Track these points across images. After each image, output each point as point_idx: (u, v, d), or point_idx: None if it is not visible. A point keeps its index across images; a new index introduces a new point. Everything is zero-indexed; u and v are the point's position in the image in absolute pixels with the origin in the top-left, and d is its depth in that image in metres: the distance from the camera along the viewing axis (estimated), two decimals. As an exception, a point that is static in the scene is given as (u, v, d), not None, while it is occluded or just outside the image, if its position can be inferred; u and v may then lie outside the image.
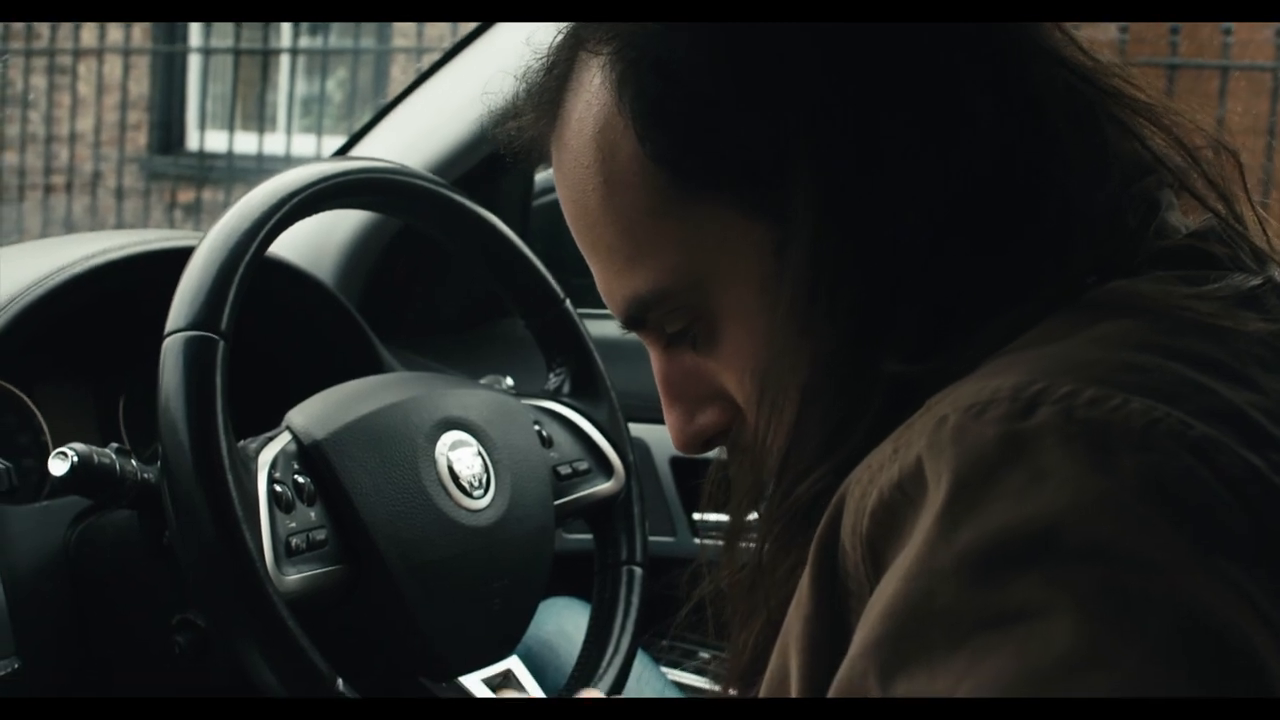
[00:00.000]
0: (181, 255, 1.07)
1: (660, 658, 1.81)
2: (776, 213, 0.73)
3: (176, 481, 0.99)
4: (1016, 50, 0.74)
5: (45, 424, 1.38)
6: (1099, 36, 0.78)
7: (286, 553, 1.03)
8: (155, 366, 1.02)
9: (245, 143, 7.61)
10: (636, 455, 1.40)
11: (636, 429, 1.43)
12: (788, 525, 0.73)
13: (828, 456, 0.71)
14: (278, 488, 1.05)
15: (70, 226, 7.91)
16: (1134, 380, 0.59)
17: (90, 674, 1.20)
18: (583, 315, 1.40)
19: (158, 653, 1.12)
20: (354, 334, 1.50)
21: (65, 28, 7.90)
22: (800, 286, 0.72)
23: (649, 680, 1.53)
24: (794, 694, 0.65)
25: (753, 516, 0.81)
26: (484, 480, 1.19)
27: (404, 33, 7.37)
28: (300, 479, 1.08)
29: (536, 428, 1.30)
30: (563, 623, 1.52)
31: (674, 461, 1.85)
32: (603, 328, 1.51)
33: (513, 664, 1.20)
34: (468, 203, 1.30)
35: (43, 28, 7.92)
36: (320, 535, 1.07)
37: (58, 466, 1.02)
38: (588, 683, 1.25)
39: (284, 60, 7.74)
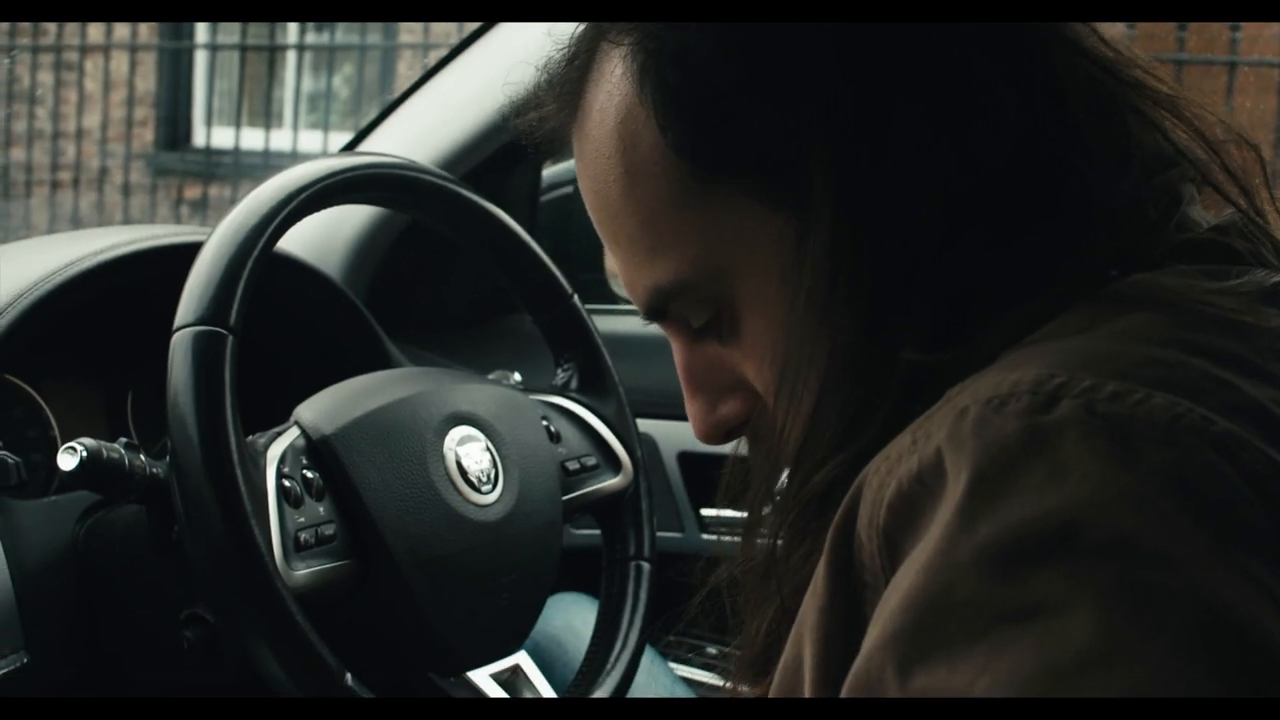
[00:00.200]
0: (189, 251, 1.08)
1: (668, 653, 1.81)
2: (794, 203, 0.73)
3: (185, 476, 0.99)
4: (1036, 41, 0.73)
5: (54, 419, 1.38)
6: (1106, 31, 0.78)
7: (295, 548, 1.03)
8: (163, 362, 1.02)
9: (252, 139, 7.62)
10: (644, 450, 1.40)
11: (644, 424, 1.43)
12: (802, 514, 0.73)
13: (845, 446, 0.71)
14: (286, 483, 1.06)
15: (77, 223, 7.92)
16: (1155, 375, 0.59)
17: (98, 669, 1.20)
18: (590, 311, 1.40)
19: (166, 648, 1.12)
20: (362, 329, 1.50)
21: (72, 24, 7.91)
22: (819, 277, 0.72)
23: (656, 676, 1.53)
24: (807, 684, 0.65)
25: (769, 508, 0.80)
26: (492, 475, 1.19)
27: (410, 28, 7.38)
28: (309, 474, 1.08)
29: (544, 423, 1.30)
30: (570, 618, 1.52)
31: (681, 457, 1.85)
32: (610, 323, 1.51)
33: (521, 659, 1.21)
34: (475, 198, 1.30)
35: (49, 24, 7.94)
36: (329, 530, 1.07)
37: (67, 461, 1.02)
38: (596, 678, 1.25)
39: (290, 56, 7.75)
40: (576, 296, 1.37)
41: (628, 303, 2.11)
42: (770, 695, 0.71)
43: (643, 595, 1.32)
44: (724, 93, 0.74)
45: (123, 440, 1.06)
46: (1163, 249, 0.71)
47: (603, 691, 1.23)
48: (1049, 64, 0.73)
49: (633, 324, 1.97)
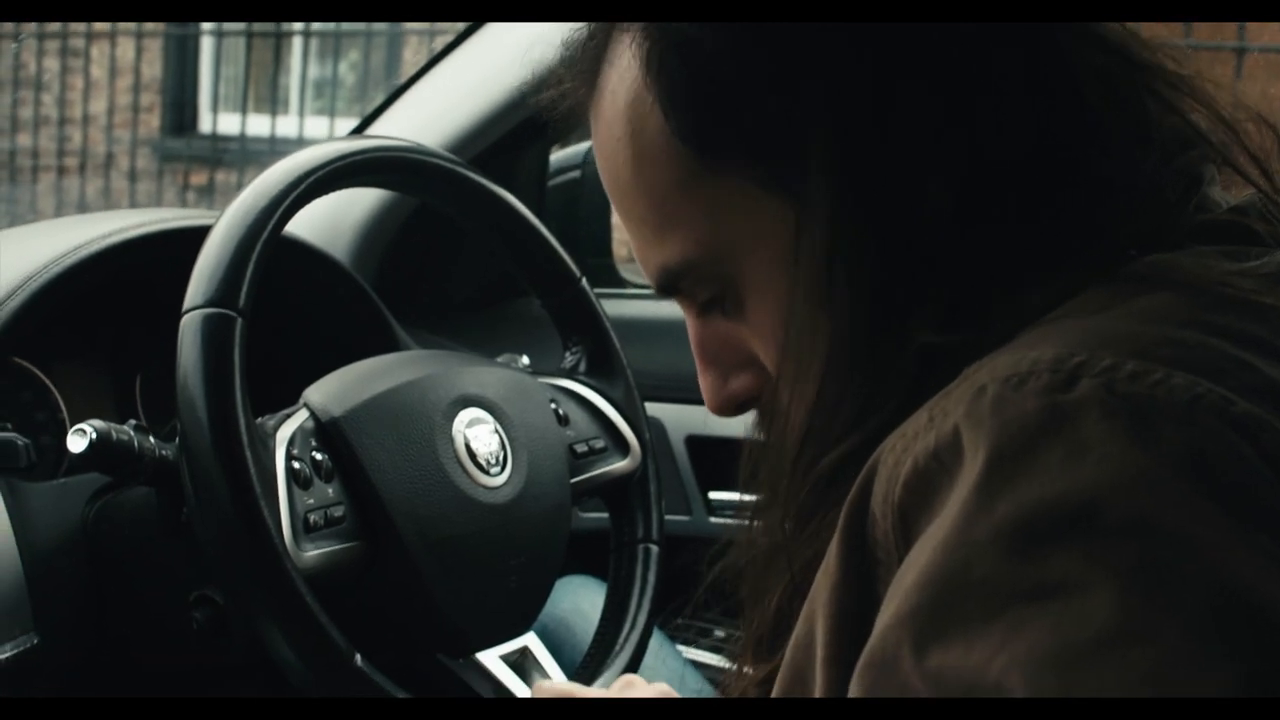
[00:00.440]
0: (198, 234, 1.08)
1: (676, 636, 1.81)
2: (796, 189, 0.73)
3: (195, 458, 0.99)
4: (1047, 27, 0.73)
5: (62, 402, 1.39)
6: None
7: (305, 529, 1.04)
8: (172, 345, 1.02)
9: (258, 125, 7.61)
10: (652, 434, 1.40)
11: (652, 408, 1.43)
12: (815, 492, 0.74)
13: (857, 428, 0.72)
14: (296, 464, 1.06)
15: (83, 209, 7.92)
16: (1175, 355, 0.59)
17: (107, 650, 1.21)
18: (598, 295, 1.40)
19: (175, 629, 1.13)
20: (370, 313, 1.50)
21: (78, 10, 7.90)
22: (818, 260, 0.72)
23: (665, 658, 1.53)
24: (818, 661, 0.65)
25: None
26: (501, 458, 1.19)
27: (416, 14, 7.36)
28: (318, 456, 1.08)
29: (553, 406, 1.30)
30: (579, 601, 1.52)
31: (689, 440, 1.85)
32: (618, 307, 1.51)
33: (530, 640, 1.21)
34: (484, 181, 1.30)
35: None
36: (338, 512, 1.07)
37: (76, 443, 1.02)
38: (604, 660, 1.26)
39: (296, 42, 7.74)
40: (584, 280, 1.37)
41: (636, 287, 2.12)
42: (781, 672, 0.71)
43: (651, 577, 1.32)
44: (728, 83, 0.74)
45: (132, 422, 1.06)
46: (1182, 230, 0.71)
47: (611, 673, 1.23)
48: (1061, 49, 0.73)
49: (641, 308, 1.97)
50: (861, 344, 0.72)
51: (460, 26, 1.89)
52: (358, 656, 1.02)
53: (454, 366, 1.23)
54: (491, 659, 1.16)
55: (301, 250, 1.43)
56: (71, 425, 1.04)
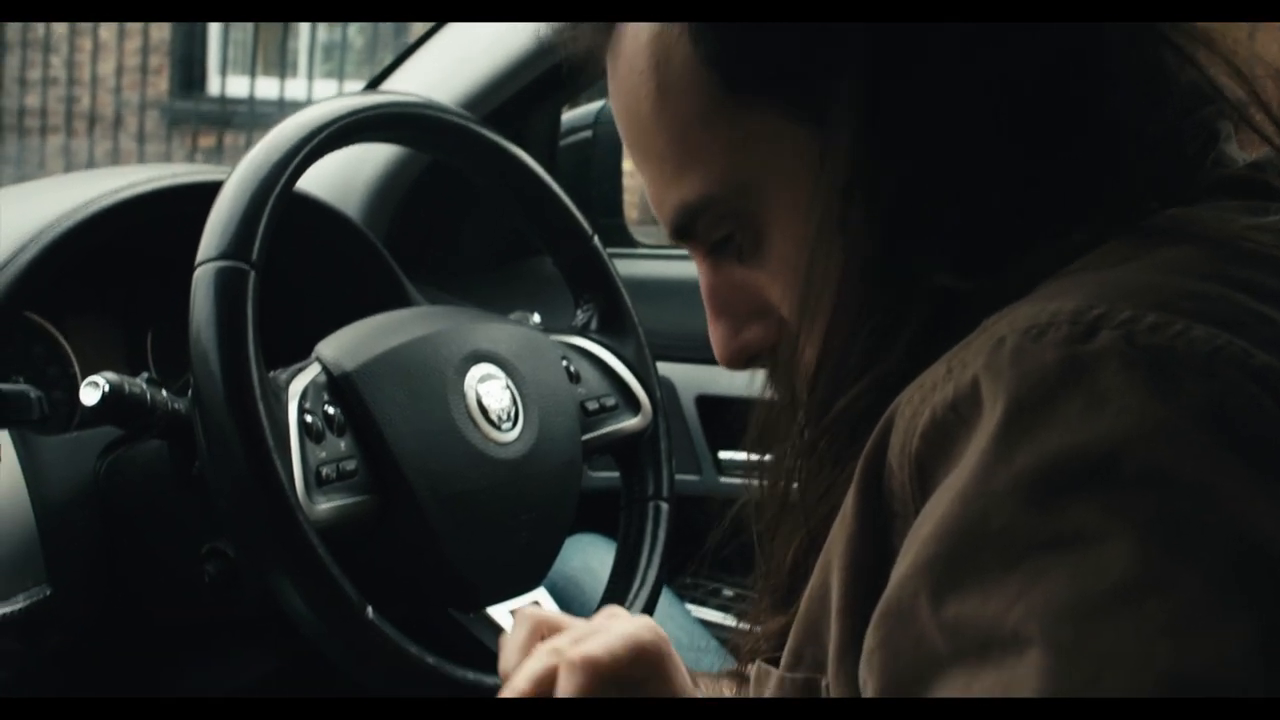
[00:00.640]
0: (210, 189, 1.07)
1: (685, 594, 1.81)
2: (821, 120, 0.72)
3: (208, 410, 1.00)
4: None
5: (74, 357, 1.39)
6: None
7: (317, 482, 1.04)
8: (184, 301, 1.02)
9: (266, 87, 7.61)
10: (662, 393, 1.40)
11: (662, 368, 1.43)
12: (831, 443, 0.73)
13: (867, 370, 0.71)
14: (308, 418, 1.06)
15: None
16: (1195, 307, 0.59)
17: (120, 602, 1.21)
18: (610, 255, 1.39)
19: (186, 582, 1.13)
20: (381, 270, 1.50)
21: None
22: (837, 190, 0.72)
23: (674, 616, 1.53)
24: (834, 612, 0.65)
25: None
26: (512, 414, 1.19)
27: (426, -23, 7.33)
28: (330, 410, 1.08)
29: (564, 363, 1.30)
30: (588, 559, 1.52)
31: (700, 400, 1.85)
32: (630, 267, 1.51)
33: (540, 595, 1.21)
34: (496, 137, 1.29)
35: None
36: (350, 465, 1.07)
37: (89, 395, 1.02)
38: (613, 618, 1.26)
39: (305, 5, 7.71)
40: (596, 237, 1.37)
41: (647, 247, 2.12)
42: (795, 625, 0.71)
43: (661, 534, 1.32)
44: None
45: (144, 375, 1.07)
46: (1201, 185, 0.71)
47: (620, 629, 1.24)
48: None
49: (651, 268, 1.97)
50: (875, 278, 0.71)
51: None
52: (370, 609, 1.03)
53: (466, 322, 1.23)
54: (502, 613, 1.17)
55: (313, 207, 1.42)
56: (83, 380, 1.04)
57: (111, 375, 1.03)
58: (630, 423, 1.35)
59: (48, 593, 1.14)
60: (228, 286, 1.01)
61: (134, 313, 1.47)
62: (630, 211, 2.19)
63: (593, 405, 1.32)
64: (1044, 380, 0.57)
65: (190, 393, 1.02)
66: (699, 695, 1.02)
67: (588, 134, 2.06)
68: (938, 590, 0.56)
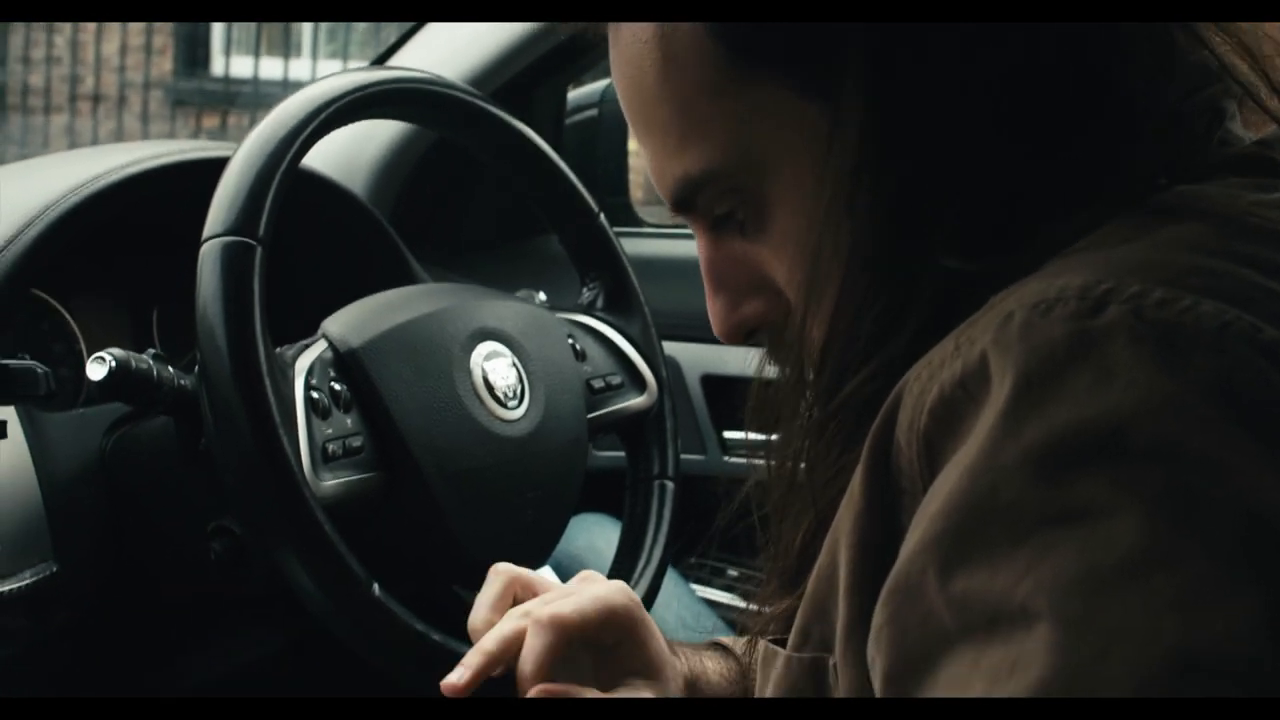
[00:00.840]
0: (216, 165, 1.07)
1: (690, 575, 1.82)
2: (830, 96, 0.72)
3: (214, 386, 0.99)
4: None
5: (80, 334, 1.39)
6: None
7: (323, 458, 1.04)
8: (190, 278, 1.02)
9: (271, 68, 7.60)
10: (668, 372, 1.40)
11: (668, 347, 1.43)
12: (839, 426, 0.73)
13: (875, 353, 0.71)
14: (314, 394, 1.06)
15: (96, 150, 7.90)
16: (1203, 283, 0.59)
17: (126, 579, 1.21)
18: (616, 234, 1.39)
19: (193, 560, 1.13)
20: (386, 247, 1.50)
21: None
22: (845, 170, 0.71)
23: (679, 596, 1.54)
24: (841, 590, 0.65)
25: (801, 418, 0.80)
26: (518, 391, 1.19)
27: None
28: (336, 386, 1.08)
29: (570, 341, 1.30)
30: (593, 538, 1.52)
31: (705, 379, 1.86)
32: (635, 246, 1.50)
33: (546, 573, 1.21)
34: (503, 114, 1.29)
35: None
36: (356, 442, 1.07)
37: (96, 371, 1.02)
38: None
39: (310, -15, 7.70)
40: (602, 215, 1.37)
41: (652, 226, 2.11)
42: (803, 604, 0.71)
43: (666, 513, 1.32)
44: None
45: (151, 351, 1.07)
46: (1208, 162, 0.71)
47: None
48: None
49: (657, 247, 1.97)
50: (883, 260, 0.71)
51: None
52: (376, 586, 1.03)
53: (472, 300, 1.22)
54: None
55: (318, 184, 1.42)
56: (89, 357, 1.04)
57: (118, 351, 1.03)
58: (636, 401, 1.35)
59: (54, 569, 1.14)
60: (234, 262, 1.01)
61: (139, 290, 1.47)
62: (635, 191, 2.19)
63: (598, 383, 1.31)
64: (1052, 355, 0.57)
65: (196, 369, 1.02)
66: (677, 664, 1.02)
67: (593, 113, 2.06)
68: (945, 566, 0.56)
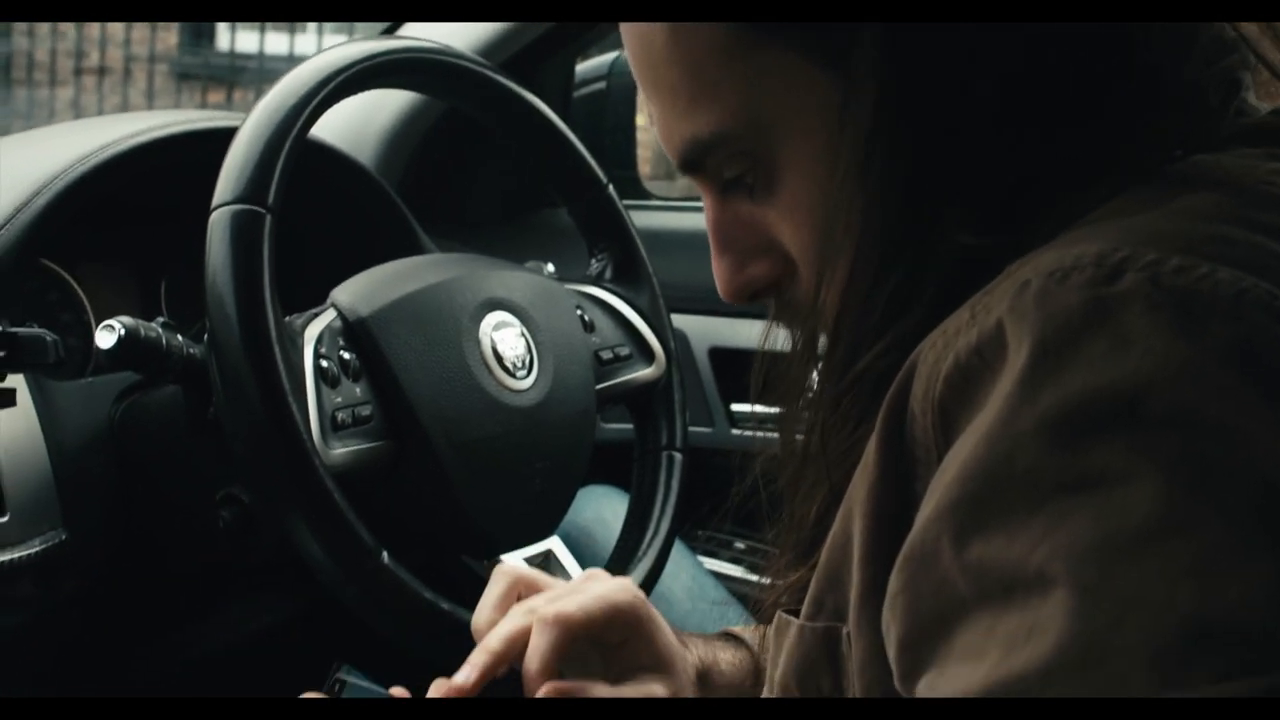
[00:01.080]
0: (225, 135, 1.07)
1: (697, 547, 1.82)
2: (843, 64, 0.71)
3: (224, 354, 0.99)
4: None
5: (88, 304, 1.39)
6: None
7: (332, 427, 1.04)
8: (198, 248, 1.02)
9: (276, 43, 7.58)
10: (675, 345, 1.40)
11: (676, 319, 1.43)
12: (854, 400, 0.73)
13: (890, 325, 0.71)
14: (323, 363, 1.06)
15: (101, 125, 7.90)
16: (1220, 251, 0.58)
17: (135, 548, 1.22)
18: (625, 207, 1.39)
19: (201, 528, 1.13)
20: (395, 218, 1.50)
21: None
22: (858, 143, 0.71)
23: (686, 567, 1.53)
24: (855, 560, 0.65)
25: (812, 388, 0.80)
26: (527, 361, 1.19)
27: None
28: (345, 355, 1.08)
29: (579, 312, 1.30)
30: (601, 510, 1.52)
31: (713, 352, 1.85)
32: (643, 219, 1.50)
33: (554, 544, 1.21)
34: (512, 84, 1.29)
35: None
36: (365, 411, 1.07)
37: (105, 339, 1.02)
38: (626, 566, 1.26)
39: (315, -41, 7.68)
40: (611, 186, 1.36)
41: (660, 199, 2.11)
42: (817, 573, 0.71)
43: (674, 484, 1.32)
44: None
45: (160, 320, 1.07)
46: (1223, 133, 0.71)
47: (634, 578, 1.24)
48: None
49: (665, 219, 1.97)
50: (896, 231, 0.71)
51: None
52: (385, 554, 1.03)
53: (481, 270, 1.22)
54: (516, 561, 1.16)
55: (327, 154, 1.42)
56: (98, 326, 1.04)
57: (127, 319, 1.03)
58: (644, 372, 1.35)
59: (63, 537, 1.15)
60: (244, 230, 1.01)
61: (147, 260, 1.47)
62: (643, 166, 2.18)
63: (607, 354, 1.31)
64: (1069, 322, 0.57)
65: (206, 337, 1.02)
66: (688, 656, 1.02)
67: (601, 85, 2.06)
68: (961, 533, 0.56)
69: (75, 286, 1.38)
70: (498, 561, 1.15)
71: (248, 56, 7.92)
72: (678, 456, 1.34)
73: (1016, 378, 0.57)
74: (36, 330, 1.07)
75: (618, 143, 2.07)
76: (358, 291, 1.13)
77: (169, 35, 8.26)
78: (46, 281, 1.36)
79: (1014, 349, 0.58)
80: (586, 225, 1.38)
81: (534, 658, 0.92)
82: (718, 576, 1.61)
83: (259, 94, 1.12)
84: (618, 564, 1.27)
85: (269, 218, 1.02)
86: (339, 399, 1.06)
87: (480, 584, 1.14)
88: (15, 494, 1.12)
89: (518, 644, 0.94)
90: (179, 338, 1.06)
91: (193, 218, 1.05)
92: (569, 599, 0.96)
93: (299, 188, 1.08)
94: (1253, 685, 0.47)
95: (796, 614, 0.73)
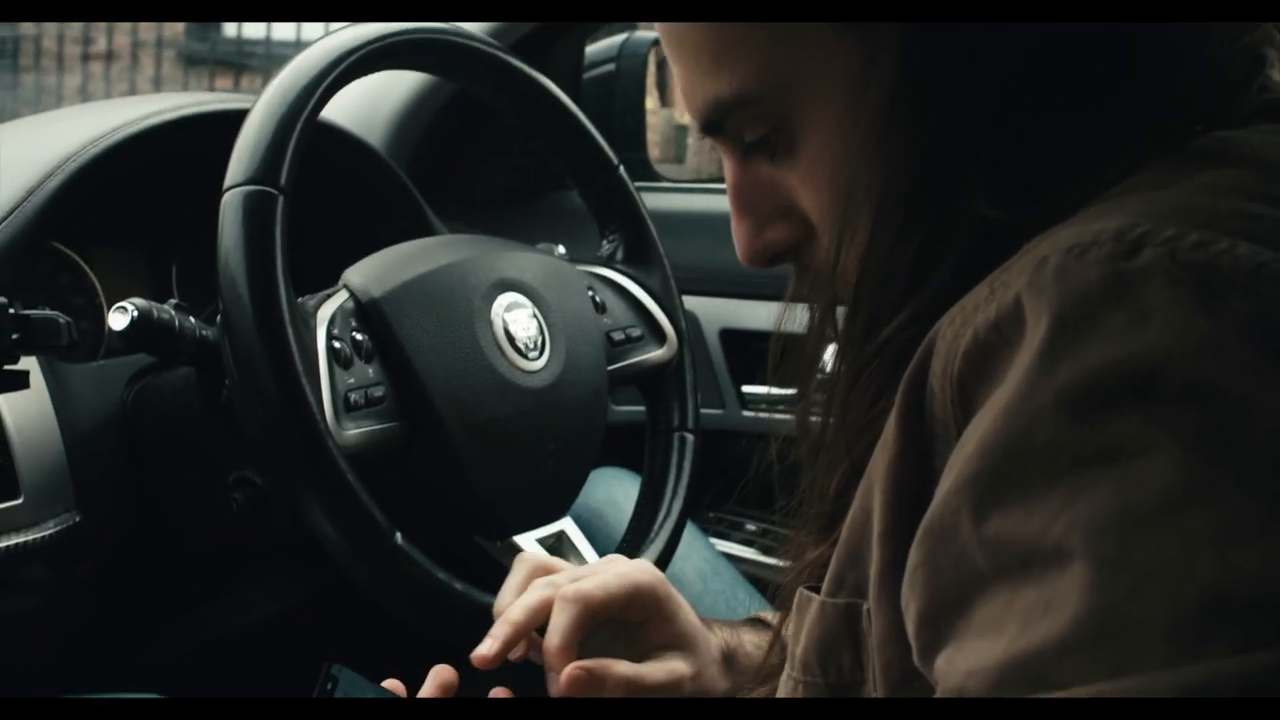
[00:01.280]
0: (236, 117, 1.07)
1: (708, 529, 1.82)
2: (868, 29, 0.71)
3: (237, 334, 0.99)
4: None
5: (100, 287, 1.39)
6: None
7: (345, 408, 1.04)
8: (209, 230, 1.02)
9: (283, 29, 7.57)
10: (687, 326, 1.40)
11: (687, 301, 1.43)
12: (873, 374, 0.73)
13: (910, 297, 0.71)
14: (336, 344, 1.06)
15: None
16: (1240, 226, 0.58)
17: (148, 531, 1.22)
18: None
19: (214, 511, 1.13)
20: (405, 200, 1.50)
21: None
22: (880, 105, 0.71)
23: (698, 549, 1.53)
24: (875, 536, 0.65)
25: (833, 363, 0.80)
26: (539, 342, 1.19)
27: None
28: (358, 336, 1.08)
29: (590, 293, 1.30)
30: (612, 491, 1.52)
31: (724, 334, 1.85)
32: (653, 200, 1.50)
33: (566, 525, 1.21)
34: (523, 65, 1.29)
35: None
36: (378, 392, 1.07)
37: (118, 320, 1.03)
38: (638, 548, 1.26)
39: (322, -56, 7.68)
40: (622, 167, 1.36)
41: (669, 180, 2.11)
42: (837, 550, 0.71)
43: (686, 465, 1.32)
44: None
45: (172, 301, 1.07)
46: (1246, 109, 0.70)
47: (646, 559, 1.24)
48: None
49: (675, 201, 1.96)
50: (916, 196, 0.70)
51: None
52: (398, 535, 1.03)
53: (493, 251, 1.22)
54: (528, 542, 1.17)
55: (337, 136, 1.42)
56: (110, 309, 1.04)
57: (140, 301, 1.03)
58: (656, 353, 1.35)
59: (76, 520, 1.15)
60: (257, 211, 1.01)
61: (158, 243, 1.47)
62: (652, 149, 2.18)
63: (618, 336, 1.31)
64: (1087, 297, 0.57)
65: (219, 319, 1.02)
66: (711, 638, 1.03)
67: (611, 67, 2.06)
68: (980, 507, 0.56)
69: (87, 270, 1.38)
70: (517, 548, 1.15)
71: (255, 42, 7.92)
72: (689, 438, 1.34)
73: (1035, 352, 0.56)
74: (49, 313, 1.07)
75: (627, 125, 2.07)
76: (370, 272, 1.13)
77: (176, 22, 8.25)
78: (58, 265, 1.36)
79: (1032, 324, 0.58)
80: (598, 207, 1.38)
81: (555, 634, 0.93)
82: (729, 558, 1.61)
83: (266, 79, 1.12)
84: (630, 546, 1.27)
85: (281, 199, 1.02)
86: (352, 380, 1.06)
87: (492, 565, 1.15)
88: (29, 476, 1.12)
89: (539, 616, 0.95)
90: (191, 320, 1.06)
91: (204, 200, 1.05)
92: (590, 579, 0.97)
93: (309, 170, 1.08)
94: (1272, 657, 0.47)
95: (818, 591, 0.73)
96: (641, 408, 1.38)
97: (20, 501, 1.11)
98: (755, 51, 0.74)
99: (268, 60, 7.64)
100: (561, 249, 1.38)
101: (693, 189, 1.99)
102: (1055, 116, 0.69)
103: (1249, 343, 0.54)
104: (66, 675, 1.28)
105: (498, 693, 0.98)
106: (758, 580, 1.53)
